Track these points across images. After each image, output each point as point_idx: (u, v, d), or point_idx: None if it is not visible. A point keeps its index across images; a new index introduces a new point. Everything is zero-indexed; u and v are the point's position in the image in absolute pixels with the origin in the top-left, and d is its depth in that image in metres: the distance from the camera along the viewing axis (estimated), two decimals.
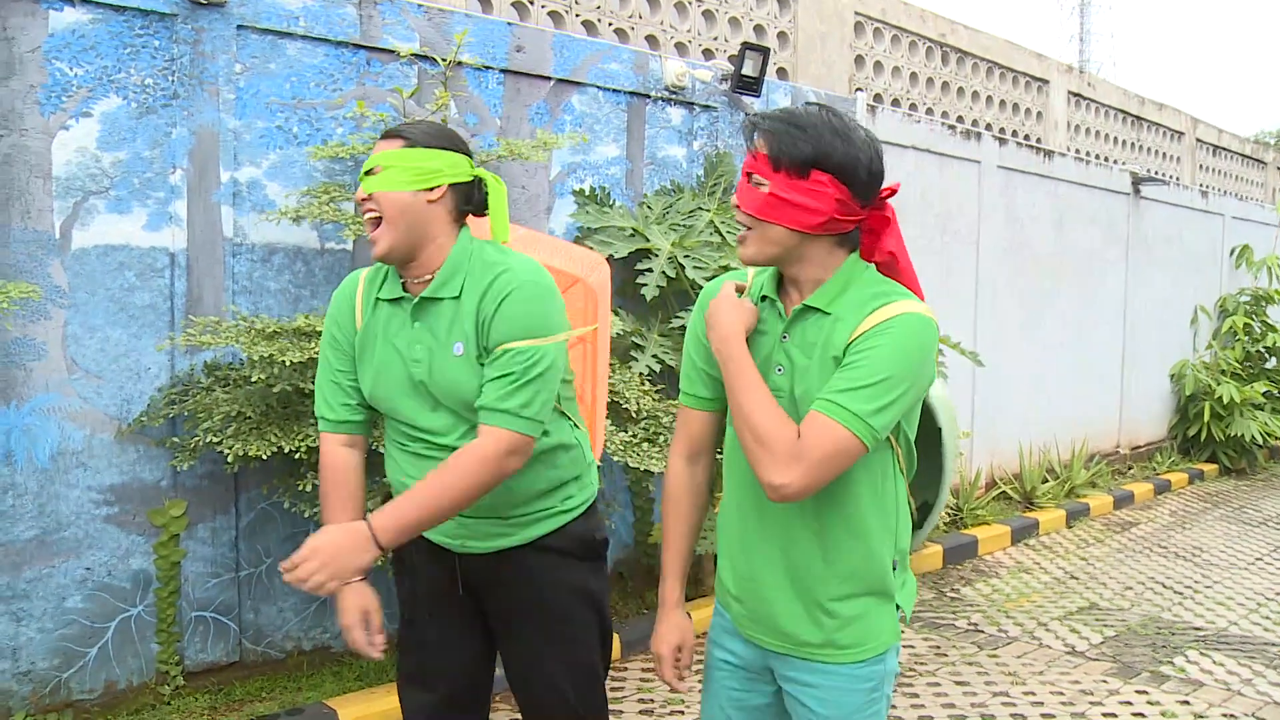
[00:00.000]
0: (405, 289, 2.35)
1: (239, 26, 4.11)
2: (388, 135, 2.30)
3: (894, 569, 2.02)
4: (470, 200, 2.37)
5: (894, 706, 4.40)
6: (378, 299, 2.38)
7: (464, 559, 2.45)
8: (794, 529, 1.98)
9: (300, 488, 3.92)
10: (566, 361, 2.47)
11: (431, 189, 2.27)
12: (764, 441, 1.82)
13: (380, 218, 2.25)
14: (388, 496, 2.62)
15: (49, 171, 3.75)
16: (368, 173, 2.27)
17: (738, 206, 1.93)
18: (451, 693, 2.55)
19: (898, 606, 2.04)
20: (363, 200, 2.28)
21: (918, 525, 2.31)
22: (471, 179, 2.35)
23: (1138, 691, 4.63)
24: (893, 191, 1.94)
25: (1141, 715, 4.37)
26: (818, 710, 2.01)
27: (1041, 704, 4.48)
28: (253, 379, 3.78)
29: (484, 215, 2.40)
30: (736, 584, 2.10)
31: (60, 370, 3.80)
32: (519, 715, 3.46)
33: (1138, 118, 11.45)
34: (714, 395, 2.12)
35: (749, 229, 1.93)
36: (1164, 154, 12.06)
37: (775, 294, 2.00)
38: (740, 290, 2.02)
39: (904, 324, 1.84)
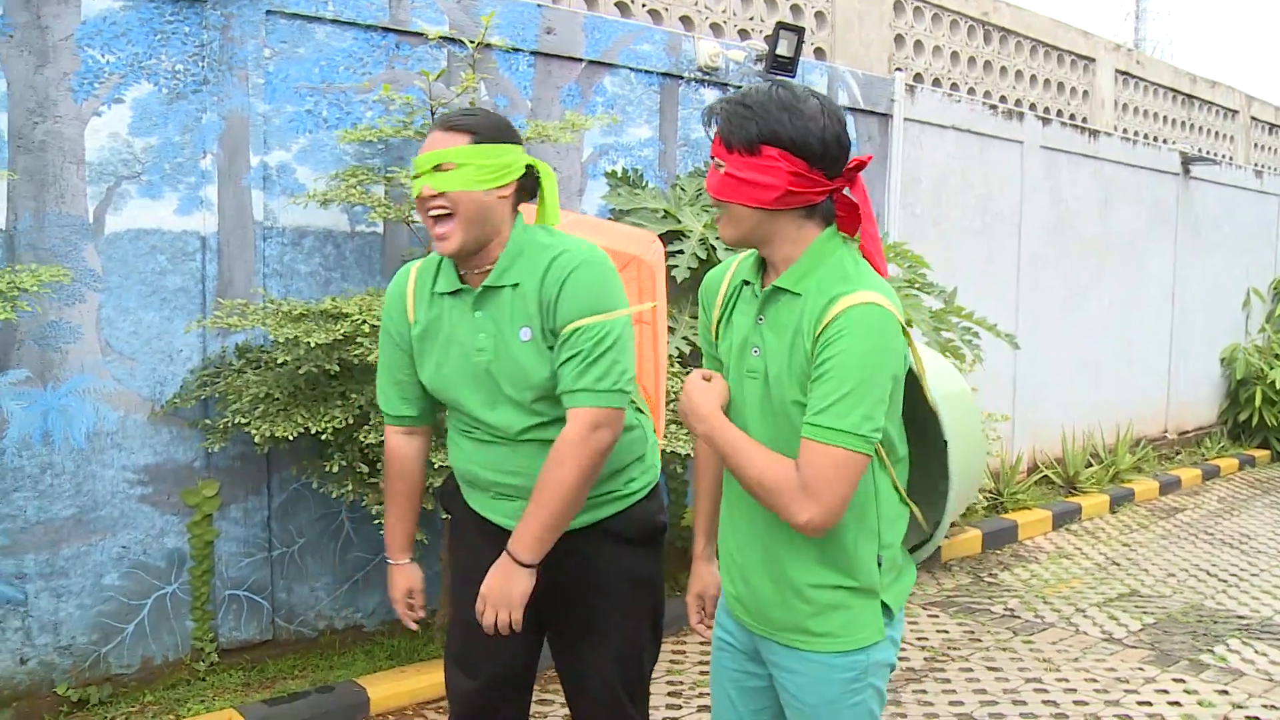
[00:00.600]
0: (462, 280, 2.35)
1: (268, 11, 4.14)
2: (450, 128, 2.26)
3: (879, 565, 1.98)
4: (529, 190, 2.38)
5: (924, 691, 4.37)
6: (435, 293, 2.37)
7: None
8: (770, 516, 1.98)
9: (328, 469, 3.97)
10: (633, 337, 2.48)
11: (503, 185, 2.27)
12: (772, 489, 1.86)
13: (448, 214, 2.24)
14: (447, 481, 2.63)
15: (82, 157, 3.81)
16: (435, 168, 2.23)
17: (708, 191, 1.96)
18: (494, 679, 2.53)
19: (885, 605, 2.00)
20: (430, 196, 2.24)
21: (919, 544, 2.26)
22: (526, 168, 2.35)
23: (1175, 680, 4.56)
24: (862, 164, 1.92)
25: (1178, 704, 4.30)
26: (797, 695, 2.02)
27: (1075, 691, 4.42)
28: (280, 361, 3.82)
29: (532, 201, 2.41)
30: (728, 564, 2.13)
31: (95, 352, 3.87)
32: (551, 696, 3.45)
33: (1189, 96, 11.19)
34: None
35: (721, 212, 1.96)
36: (1216, 133, 11.79)
37: (755, 277, 2.02)
38: (708, 377, 2.04)
39: (856, 320, 1.83)
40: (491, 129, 2.28)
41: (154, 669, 4.07)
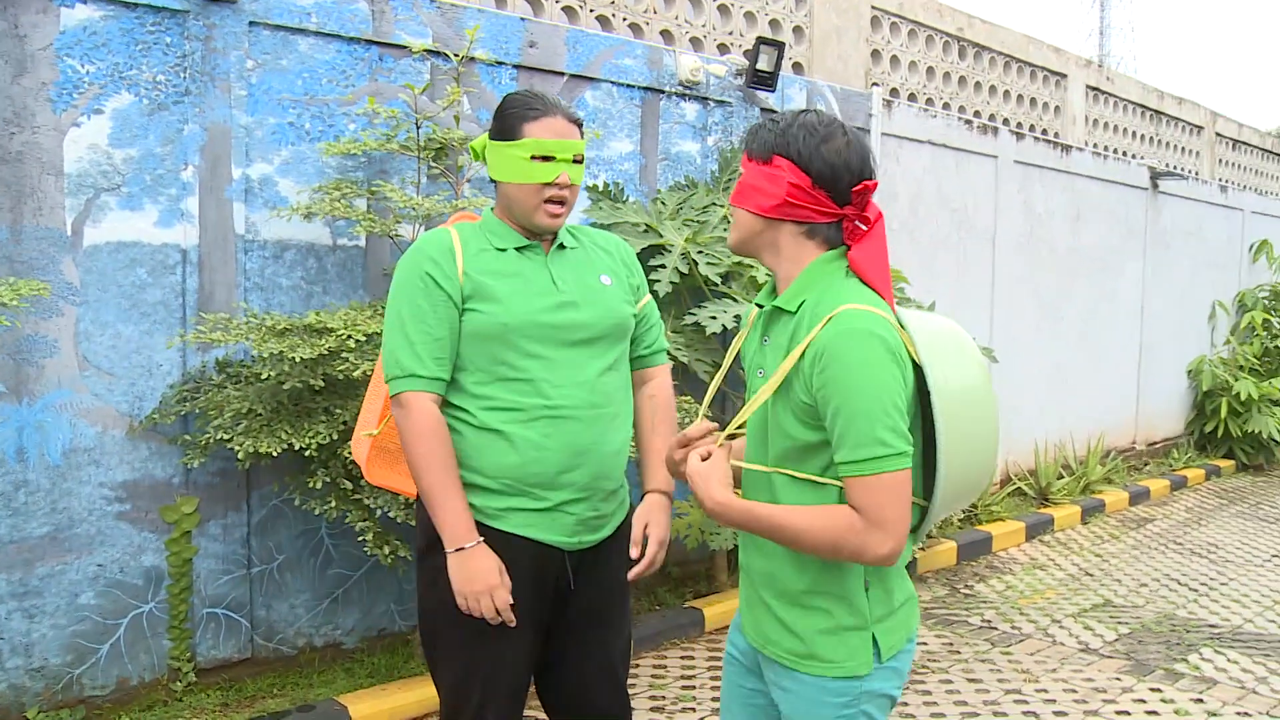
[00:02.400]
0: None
1: (251, 23, 4.10)
2: (573, 120, 2.49)
3: (866, 590, 1.95)
4: None
5: (905, 704, 4.38)
6: (496, 249, 2.49)
7: (571, 556, 2.52)
8: None
9: (310, 484, 3.92)
10: None
11: None
12: (835, 541, 1.83)
13: (565, 199, 2.48)
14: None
15: (61, 169, 3.76)
16: (575, 159, 2.47)
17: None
18: (519, 710, 2.55)
19: (875, 641, 1.96)
20: (566, 185, 2.46)
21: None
22: None
23: (1151, 689, 4.60)
24: (865, 186, 1.92)
25: (1155, 713, 4.34)
26: (790, 717, 2.02)
27: (1054, 701, 4.45)
28: (263, 376, 3.77)
29: None
30: (743, 575, 2.13)
31: (72, 367, 3.81)
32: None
33: (1157, 112, 11.36)
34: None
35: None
36: (1183, 148, 11.97)
37: (767, 300, 2.05)
38: (705, 455, 1.97)
39: (835, 340, 1.82)
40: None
41: (130, 690, 4.00)
